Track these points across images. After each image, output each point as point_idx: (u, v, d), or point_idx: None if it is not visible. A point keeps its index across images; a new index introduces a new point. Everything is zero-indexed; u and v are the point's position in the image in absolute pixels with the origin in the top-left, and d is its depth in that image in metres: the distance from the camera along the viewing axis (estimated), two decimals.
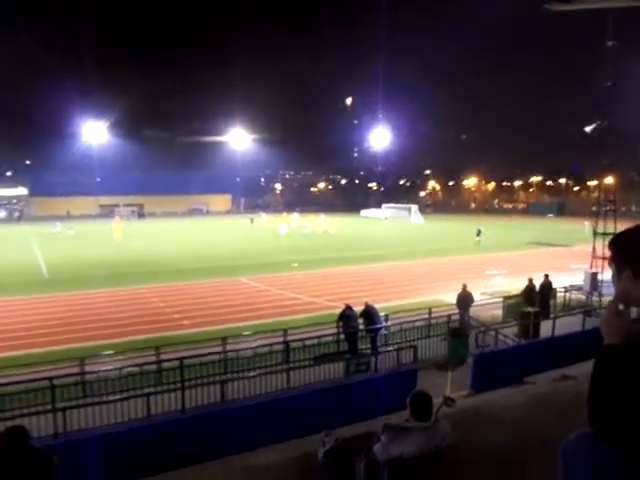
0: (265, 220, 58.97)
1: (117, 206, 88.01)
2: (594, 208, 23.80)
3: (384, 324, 15.86)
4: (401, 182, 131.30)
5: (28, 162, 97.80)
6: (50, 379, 11.12)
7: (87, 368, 12.69)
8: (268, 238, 48.42)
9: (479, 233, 42.45)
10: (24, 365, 12.51)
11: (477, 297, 18.23)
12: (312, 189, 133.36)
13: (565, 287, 20.82)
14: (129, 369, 12.39)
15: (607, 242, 1.89)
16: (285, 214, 68.40)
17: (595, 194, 32.48)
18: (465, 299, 17.37)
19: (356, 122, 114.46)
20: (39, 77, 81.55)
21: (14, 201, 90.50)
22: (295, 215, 65.21)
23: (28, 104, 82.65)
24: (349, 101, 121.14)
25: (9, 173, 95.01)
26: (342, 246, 40.86)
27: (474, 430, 5.53)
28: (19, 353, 14.99)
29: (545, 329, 16.01)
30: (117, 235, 47.84)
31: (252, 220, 59.23)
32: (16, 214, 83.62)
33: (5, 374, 11.81)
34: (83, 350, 14.42)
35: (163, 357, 13.24)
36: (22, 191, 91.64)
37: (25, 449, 4.20)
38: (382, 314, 16.02)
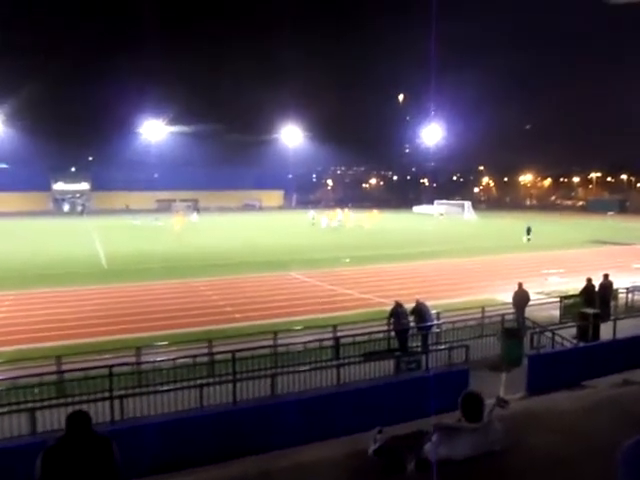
0: (313, 216, 59.48)
1: (174, 201, 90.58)
2: None
3: (435, 322, 15.67)
4: (454, 178, 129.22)
5: (90, 158, 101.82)
6: (109, 367, 11.50)
7: (143, 358, 13.08)
8: (309, 233, 48.63)
9: (529, 231, 41.45)
10: (84, 353, 12.99)
11: (533, 296, 17.73)
12: (363, 185, 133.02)
13: (627, 288, 19.96)
14: (183, 360, 12.70)
15: None
16: (333, 210, 68.54)
17: None
18: (521, 298, 16.92)
19: (408, 118, 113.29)
20: (101, 76, 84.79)
21: (77, 195, 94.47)
22: (339, 211, 65.47)
23: (90, 102, 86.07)
24: (401, 97, 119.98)
25: (73, 169, 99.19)
26: (394, 243, 40.54)
27: (527, 433, 5.38)
28: (79, 341, 15.63)
29: (605, 332, 15.38)
30: (177, 228, 49.99)
31: (314, 218, 59.29)
32: (79, 208, 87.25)
33: (67, 361, 12.35)
34: (139, 340, 14.85)
35: (215, 349, 13.50)
36: (84, 186, 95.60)
37: (88, 433, 4.37)
38: (433, 312, 15.83)
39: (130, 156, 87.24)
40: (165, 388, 11.14)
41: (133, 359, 12.90)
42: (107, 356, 12.66)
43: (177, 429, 8.65)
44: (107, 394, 10.72)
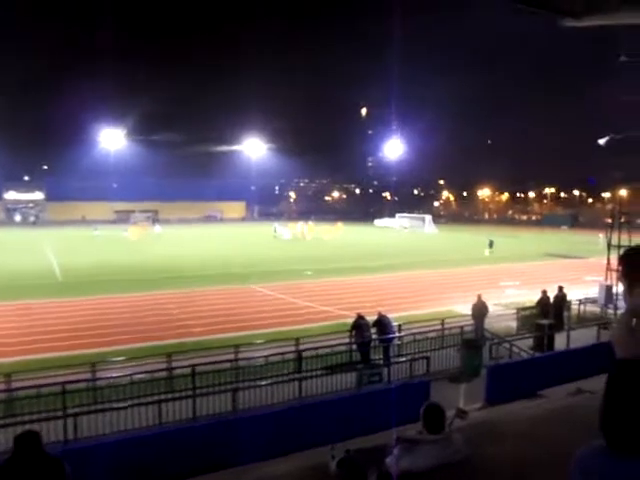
0: (275, 228, 60.23)
1: (132, 212, 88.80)
2: (608, 220, 23.60)
3: (397, 334, 15.79)
4: (415, 192, 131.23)
5: (45, 167, 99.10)
6: (62, 384, 11.14)
7: (99, 374, 12.72)
8: (271, 245, 48.57)
9: (491, 244, 42.64)
10: (36, 370, 12.55)
11: (491, 308, 18.09)
12: (326, 198, 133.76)
13: (579, 299, 20.61)
14: (141, 376, 12.41)
15: (619, 256, 1.90)
16: (295, 222, 68.90)
17: (609, 206, 32.31)
18: (480, 310, 17.25)
19: (370, 132, 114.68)
20: (57, 83, 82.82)
21: (30, 205, 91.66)
22: (301, 223, 65.99)
23: (46, 110, 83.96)
24: (364, 112, 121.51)
25: (26, 178, 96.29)
26: (356, 256, 40.78)
27: (487, 443, 5.47)
28: (31, 357, 15.10)
29: (560, 342, 15.87)
30: (134, 238, 50.47)
31: (275, 230, 59.98)
32: (32, 218, 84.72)
33: (17, 378, 11.90)
34: (95, 356, 14.46)
35: (175, 364, 13.26)
36: (38, 195, 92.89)
37: (38, 454, 4.22)
38: (395, 324, 15.96)
39: (87, 165, 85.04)
40: (122, 405, 10.81)
41: (88, 375, 12.54)
42: (61, 373, 12.23)
43: (134, 447, 8.43)
44: (60, 412, 10.35)
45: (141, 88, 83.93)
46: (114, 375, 12.62)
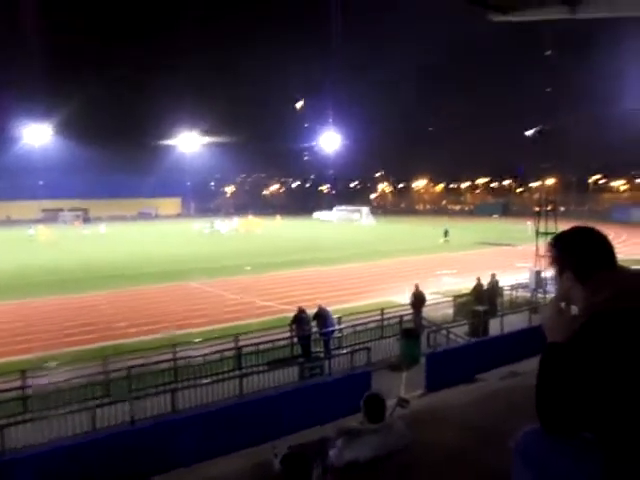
0: (212, 224, 59.78)
1: (61, 210, 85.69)
2: (536, 209, 24.65)
3: (337, 327, 15.89)
4: (352, 185, 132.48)
5: None
6: None
7: (29, 381, 12.12)
8: (209, 241, 47.98)
9: (446, 233, 44.03)
10: None
11: (428, 297, 18.50)
12: (264, 192, 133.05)
13: (511, 285, 21.41)
14: (74, 381, 11.93)
15: (548, 242, 1.94)
16: (231, 218, 68.55)
17: (537, 195, 33.69)
18: (418, 299, 17.61)
19: (307, 125, 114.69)
20: None
21: None
22: (236, 218, 65.79)
23: None
24: (300, 104, 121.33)
25: None
26: (295, 249, 40.77)
27: (428, 430, 5.58)
28: None
29: (494, 327, 16.43)
30: (44, 239, 49.36)
31: (212, 225, 59.30)
32: None
33: None
34: (24, 362, 13.77)
35: (111, 367, 12.84)
36: None
37: None
38: (335, 316, 16.05)
39: (11, 162, 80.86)
40: (53, 413, 10.32)
41: (18, 383, 11.93)
42: None
43: (67, 456, 8.07)
44: None
45: (69, 81, 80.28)
46: (46, 382, 12.06)
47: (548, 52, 21.99)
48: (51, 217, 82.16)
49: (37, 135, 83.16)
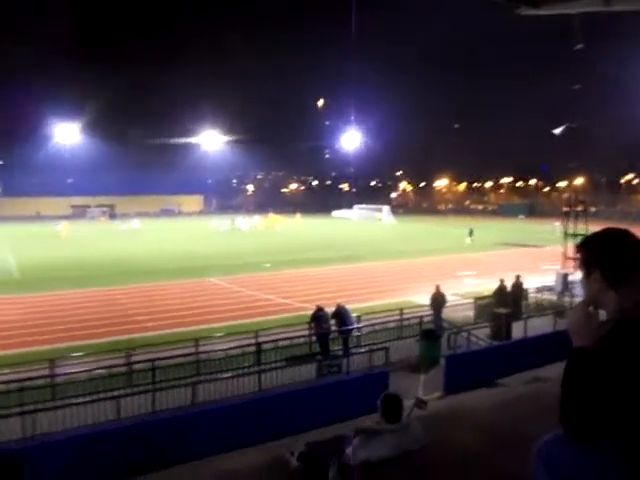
0: (233, 221, 60.22)
1: (89, 207, 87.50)
2: (565, 209, 24.07)
3: (356, 325, 15.86)
4: (372, 183, 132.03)
5: (0, 162, 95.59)
6: (19, 381, 10.92)
7: (57, 370, 12.42)
8: (229, 238, 48.26)
9: (471, 233, 43.58)
10: None
11: (449, 298, 18.35)
12: (284, 190, 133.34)
13: (537, 288, 21.07)
14: (99, 371, 12.18)
15: (577, 244, 1.90)
16: (251, 215, 68.96)
17: (565, 195, 33.10)
18: (438, 300, 17.46)
19: (328, 123, 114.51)
20: (10, 77, 79.64)
21: None
22: (256, 216, 66.14)
23: None
24: (321, 103, 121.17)
25: None
26: (314, 247, 40.82)
27: (446, 432, 5.53)
28: None
29: (517, 330, 16.16)
30: (65, 234, 50.33)
31: (233, 222, 59.71)
32: None
33: None
34: (53, 352, 14.11)
35: (134, 359, 13.04)
36: None
37: None
38: (354, 315, 16.02)
39: (42, 160, 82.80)
40: (80, 400, 10.59)
41: (46, 372, 12.21)
42: (18, 369, 11.98)
43: (93, 443, 8.24)
44: (18, 409, 10.05)
45: (96, 81, 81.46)
46: (73, 371, 12.41)
47: (579, 46, 21.48)
48: (79, 213, 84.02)
49: (67, 134, 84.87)
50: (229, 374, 12.26)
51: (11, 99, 78.79)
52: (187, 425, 8.99)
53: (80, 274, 28.23)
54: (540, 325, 16.35)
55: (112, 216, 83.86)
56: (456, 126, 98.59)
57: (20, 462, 4.18)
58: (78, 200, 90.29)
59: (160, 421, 9.44)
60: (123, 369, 12.66)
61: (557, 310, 18.31)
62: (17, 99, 78.31)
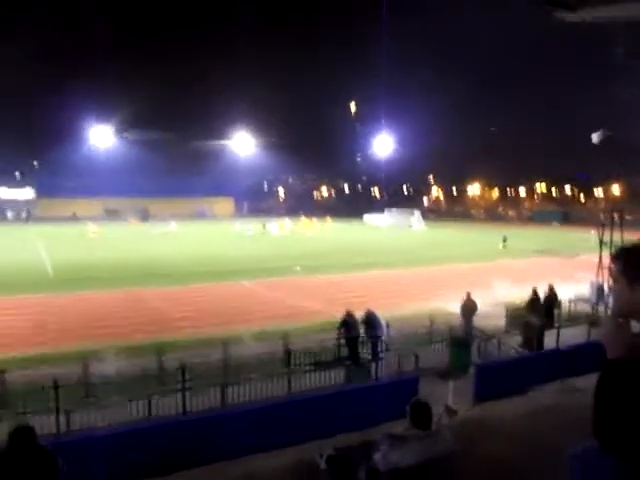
0: (264, 224, 60.62)
1: (122, 209, 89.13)
2: (601, 217, 23.52)
3: (385, 331, 15.80)
4: (404, 188, 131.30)
5: (36, 164, 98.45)
6: (54, 379, 11.15)
7: (90, 369, 12.69)
8: (260, 241, 48.57)
9: (505, 240, 43.25)
10: (29, 364, 12.54)
11: (480, 306, 18.14)
12: (315, 194, 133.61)
13: (570, 297, 20.66)
14: (131, 371, 12.40)
15: (612, 254, 1.89)
16: (282, 218, 69.31)
17: (601, 203, 32.34)
18: (469, 307, 17.29)
19: (359, 128, 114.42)
20: (47, 80, 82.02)
21: (22, 202, 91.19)
22: (287, 220, 66.47)
23: (37, 107, 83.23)
24: (353, 107, 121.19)
25: (17, 175, 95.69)
26: (345, 252, 40.78)
27: (476, 440, 5.49)
28: (24, 352, 14.96)
29: (549, 340, 15.89)
30: (92, 235, 52.04)
31: (264, 226, 60.07)
32: (24, 215, 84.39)
33: (11, 373, 11.85)
34: (87, 351, 14.41)
35: (165, 360, 13.25)
36: (29, 192, 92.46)
37: (32, 448, 4.21)
38: (383, 321, 15.97)
39: (78, 162, 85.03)
40: (113, 400, 10.82)
41: (80, 370, 12.49)
42: (54, 367, 12.25)
43: (125, 441, 8.45)
44: (53, 406, 10.34)
45: (131, 85, 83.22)
46: (106, 370, 12.61)
47: (618, 50, 21.01)
48: (113, 215, 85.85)
49: (102, 136, 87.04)
50: (258, 377, 12.37)
51: (48, 102, 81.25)
52: (218, 426, 9.11)
53: (114, 275, 28.77)
54: (573, 335, 16.05)
55: (145, 218, 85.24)
56: (493, 129, 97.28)
57: (55, 459, 4.29)
58: (112, 202, 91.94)
59: (192, 420, 9.60)
60: (155, 370, 12.87)
61: (591, 320, 17.93)
62: (54, 102, 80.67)
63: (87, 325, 18.59)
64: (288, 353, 13.97)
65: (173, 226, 61.84)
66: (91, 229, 54.57)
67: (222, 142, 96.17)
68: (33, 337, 16.81)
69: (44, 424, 9.20)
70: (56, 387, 10.95)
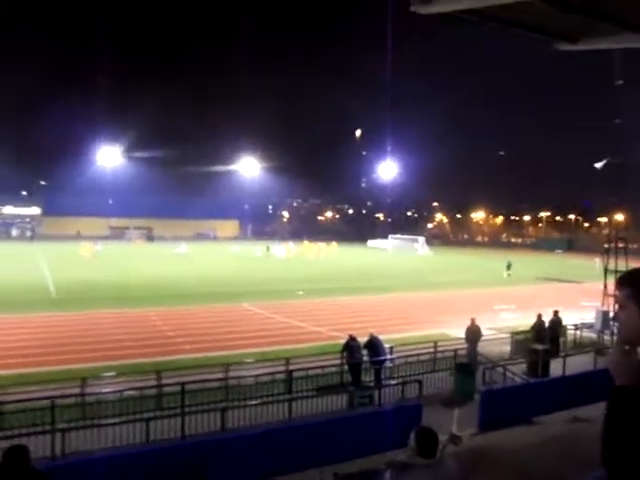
0: (268, 247, 60.88)
1: (127, 228, 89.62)
2: (605, 245, 23.59)
3: (389, 356, 15.66)
4: (408, 213, 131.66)
5: (43, 182, 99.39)
6: (51, 398, 11.00)
7: (88, 389, 12.54)
8: (264, 264, 48.55)
9: (509, 267, 42.87)
10: (25, 384, 12.41)
11: (485, 332, 17.99)
12: (319, 218, 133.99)
13: (575, 324, 20.48)
14: (130, 392, 12.26)
15: (617, 280, 1.86)
16: (287, 242, 69.53)
17: (605, 231, 32.37)
18: (474, 333, 17.14)
19: (364, 153, 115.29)
20: (56, 100, 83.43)
21: (27, 220, 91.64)
22: (291, 243, 66.75)
23: (45, 126, 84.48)
24: (358, 132, 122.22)
25: (24, 193, 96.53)
26: (348, 276, 40.73)
27: (480, 470, 5.38)
28: (21, 371, 14.91)
29: (555, 367, 15.70)
30: (86, 254, 51.91)
31: (268, 249, 60.18)
32: (28, 233, 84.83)
33: (6, 392, 11.73)
34: (85, 371, 14.28)
35: (164, 381, 13.12)
36: (35, 210, 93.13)
37: (25, 470, 4.15)
38: (387, 346, 15.84)
39: (84, 181, 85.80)
40: (110, 421, 10.68)
41: (77, 390, 12.35)
42: (50, 387, 12.08)
43: (122, 464, 8.29)
44: (48, 427, 10.20)
45: (138, 107, 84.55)
46: (103, 391, 12.48)
47: (619, 82, 21.23)
48: (117, 234, 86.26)
49: (109, 156, 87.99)
50: (259, 401, 12.23)
51: (56, 121, 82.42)
52: (217, 450, 8.97)
53: (116, 295, 28.74)
54: (579, 363, 15.88)
55: (149, 238, 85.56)
56: (501, 153, 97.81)
57: None
58: (116, 221, 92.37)
59: (191, 445, 9.46)
60: (154, 391, 12.74)
61: (597, 348, 17.75)
62: (62, 122, 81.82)
63: (87, 344, 18.47)
64: (290, 377, 13.85)
65: (184, 248, 61.80)
66: (84, 248, 54.66)
67: (228, 165, 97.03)
68: (31, 356, 16.65)
69: (39, 445, 9.07)
70: (52, 407, 10.84)
